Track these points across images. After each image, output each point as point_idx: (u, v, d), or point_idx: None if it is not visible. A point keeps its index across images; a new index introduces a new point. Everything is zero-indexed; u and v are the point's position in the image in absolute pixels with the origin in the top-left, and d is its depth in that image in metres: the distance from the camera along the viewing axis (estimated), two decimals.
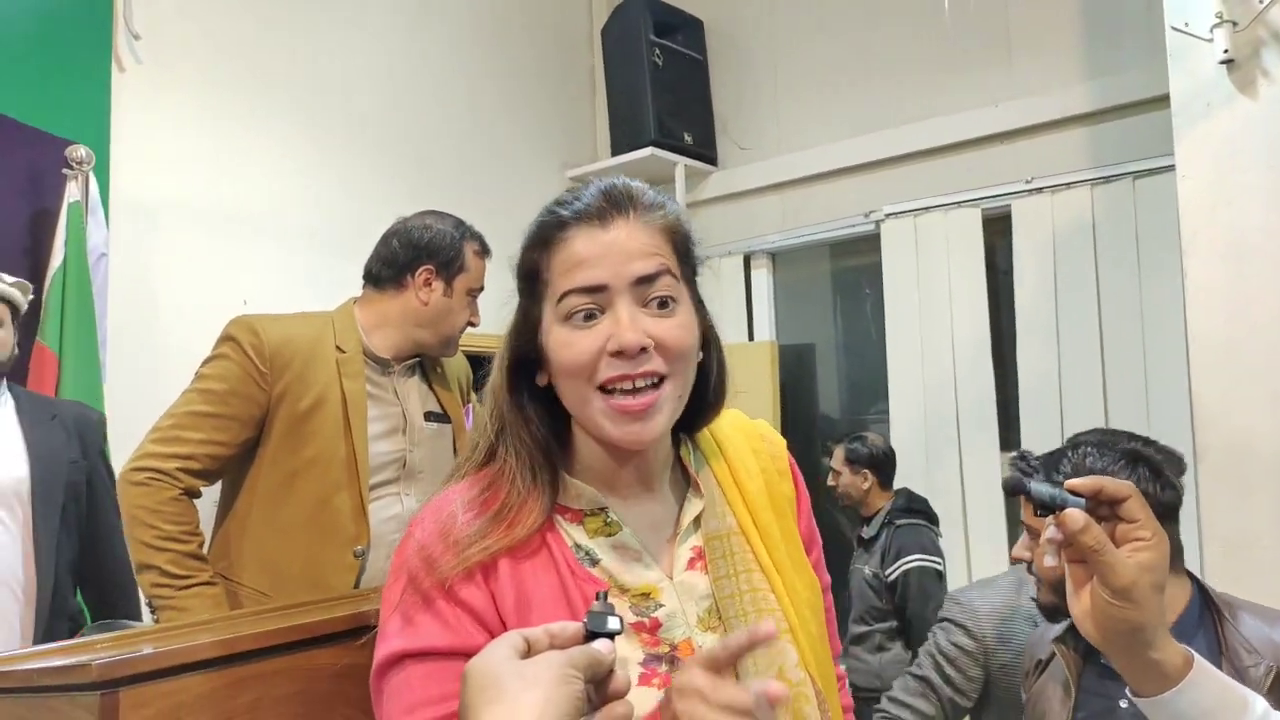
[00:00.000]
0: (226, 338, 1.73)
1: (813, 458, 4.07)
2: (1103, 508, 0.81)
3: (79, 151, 2.53)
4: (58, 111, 2.59)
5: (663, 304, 0.83)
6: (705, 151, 4.16)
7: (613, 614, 0.65)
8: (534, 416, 0.88)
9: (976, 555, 3.36)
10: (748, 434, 1.00)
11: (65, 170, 2.51)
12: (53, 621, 1.98)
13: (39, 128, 2.55)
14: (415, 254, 1.83)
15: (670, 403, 0.85)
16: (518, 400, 0.88)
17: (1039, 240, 3.33)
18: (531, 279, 0.87)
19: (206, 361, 1.74)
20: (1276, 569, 2.04)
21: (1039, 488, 0.81)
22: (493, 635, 0.74)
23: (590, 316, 0.82)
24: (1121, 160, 3.19)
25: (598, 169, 4.17)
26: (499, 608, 0.81)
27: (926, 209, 3.56)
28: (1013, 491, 0.84)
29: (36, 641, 1.89)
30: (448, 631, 0.79)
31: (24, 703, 0.92)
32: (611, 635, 0.64)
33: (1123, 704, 1.18)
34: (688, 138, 4.07)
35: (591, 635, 0.64)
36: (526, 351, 0.87)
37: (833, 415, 4.17)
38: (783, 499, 0.97)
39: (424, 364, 1.92)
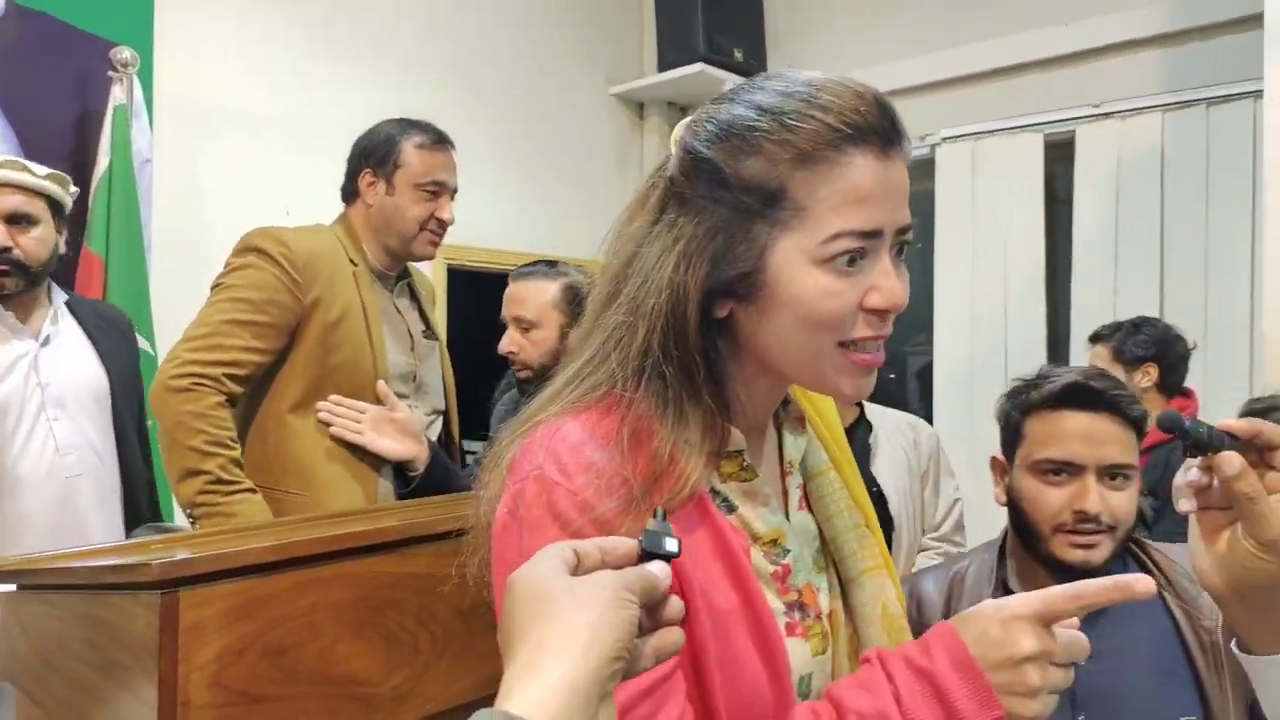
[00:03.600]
0: (251, 248, 1.70)
1: None
2: (1251, 453, 0.77)
3: (124, 54, 2.49)
4: (102, 14, 2.55)
5: (900, 253, 0.74)
6: (755, 69, 4.01)
7: (670, 534, 0.60)
8: (717, 355, 0.75)
9: None
10: None
11: (110, 73, 2.48)
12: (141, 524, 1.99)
13: (84, 29, 2.52)
14: (355, 162, 1.84)
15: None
16: (705, 334, 0.73)
17: (1103, 168, 3.20)
18: (771, 196, 0.70)
19: (231, 270, 1.70)
20: None
21: (1196, 426, 0.76)
22: None
23: (854, 261, 0.70)
24: (1197, 85, 3.04)
25: (643, 85, 4.06)
26: (676, 571, 0.67)
27: (986, 133, 3.43)
28: (1168, 428, 0.78)
29: None
30: None
31: (87, 598, 0.94)
32: (667, 558, 0.59)
33: None
34: (738, 54, 3.94)
35: (647, 556, 0.59)
36: (730, 277, 0.72)
37: None
38: (838, 425, 0.92)
39: (411, 284, 1.93)
